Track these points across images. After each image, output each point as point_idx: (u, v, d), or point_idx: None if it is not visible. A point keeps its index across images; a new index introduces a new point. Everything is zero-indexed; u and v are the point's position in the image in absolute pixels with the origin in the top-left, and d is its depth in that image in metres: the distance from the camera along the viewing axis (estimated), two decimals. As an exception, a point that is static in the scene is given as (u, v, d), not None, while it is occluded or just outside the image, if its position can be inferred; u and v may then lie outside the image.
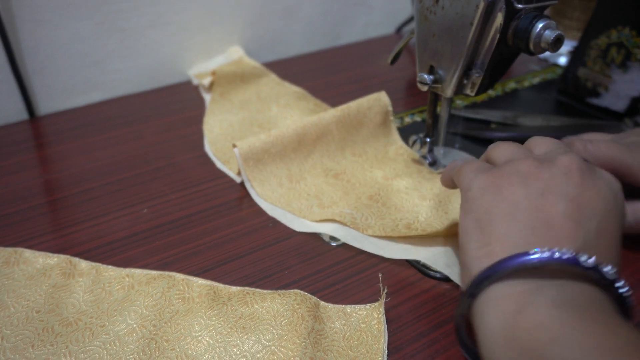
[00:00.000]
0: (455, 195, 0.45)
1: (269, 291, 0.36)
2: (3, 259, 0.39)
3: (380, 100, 0.52)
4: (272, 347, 0.32)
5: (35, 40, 0.58)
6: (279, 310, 0.34)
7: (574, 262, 0.26)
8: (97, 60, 0.63)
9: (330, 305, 0.36)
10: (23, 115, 0.60)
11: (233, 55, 0.71)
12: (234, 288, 0.37)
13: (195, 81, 0.67)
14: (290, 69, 0.70)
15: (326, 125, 0.50)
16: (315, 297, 0.36)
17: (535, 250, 0.27)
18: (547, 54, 0.50)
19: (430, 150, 0.51)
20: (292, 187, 0.48)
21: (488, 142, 0.55)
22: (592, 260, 0.26)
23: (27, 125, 0.59)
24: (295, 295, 0.35)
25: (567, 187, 0.29)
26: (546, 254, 0.26)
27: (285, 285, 0.38)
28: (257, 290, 0.36)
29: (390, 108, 0.53)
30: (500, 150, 0.34)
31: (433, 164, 0.50)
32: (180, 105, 0.63)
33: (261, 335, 0.33)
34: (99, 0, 0.60)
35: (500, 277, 0.27)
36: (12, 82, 0.58)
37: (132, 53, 0.65)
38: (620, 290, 0.26)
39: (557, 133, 0.53)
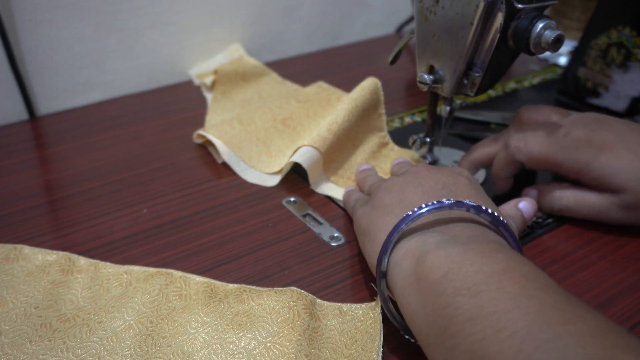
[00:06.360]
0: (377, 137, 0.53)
1: (266, 289, 0.36)
2: (3, 255, 0.39)
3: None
4: (268, 344, 0.32)
5: (35, 40, 0.58)
6: (275, 307, 0.34)
7: (439, 204, 0.33)
8: (97, 60, 0.63)
9: (326, 303, 0.36)
10: (23, 115, 0.60)
11: (233, 53, 0.71)
12: (230, 285, 0.37)
13: (196, 81, 0.67)
14: (290, 69, 0.71)
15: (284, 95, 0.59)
16: (312, 295, 0.36)
17: (407, 213, 0.33)
18: (547, 54, 0.50)
19: (430, 150, 0.51)
20: (243, 129, 0.53)
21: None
22: (451, 200, 0.33)
23: (27, 125, 0.59)
24: (292, 293, 0.35)
25: (419, 179, 0.37)
26: (421, 209, 0.33)
27: (285, 286, 0.38)
28: (254, 287, 0.36)
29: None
30: (373, 185, 0.43)
31: (433, 164, 0.50)
32: (180, 105, 0.63)
33: (257, 332, 0.33)
34: (99, 0, 0.60)
35: (395, 243, 0.33)
36: (12, 82, 0.58)
37: (132, 53, 0.65)
38: (490, 211, 0.33)
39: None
